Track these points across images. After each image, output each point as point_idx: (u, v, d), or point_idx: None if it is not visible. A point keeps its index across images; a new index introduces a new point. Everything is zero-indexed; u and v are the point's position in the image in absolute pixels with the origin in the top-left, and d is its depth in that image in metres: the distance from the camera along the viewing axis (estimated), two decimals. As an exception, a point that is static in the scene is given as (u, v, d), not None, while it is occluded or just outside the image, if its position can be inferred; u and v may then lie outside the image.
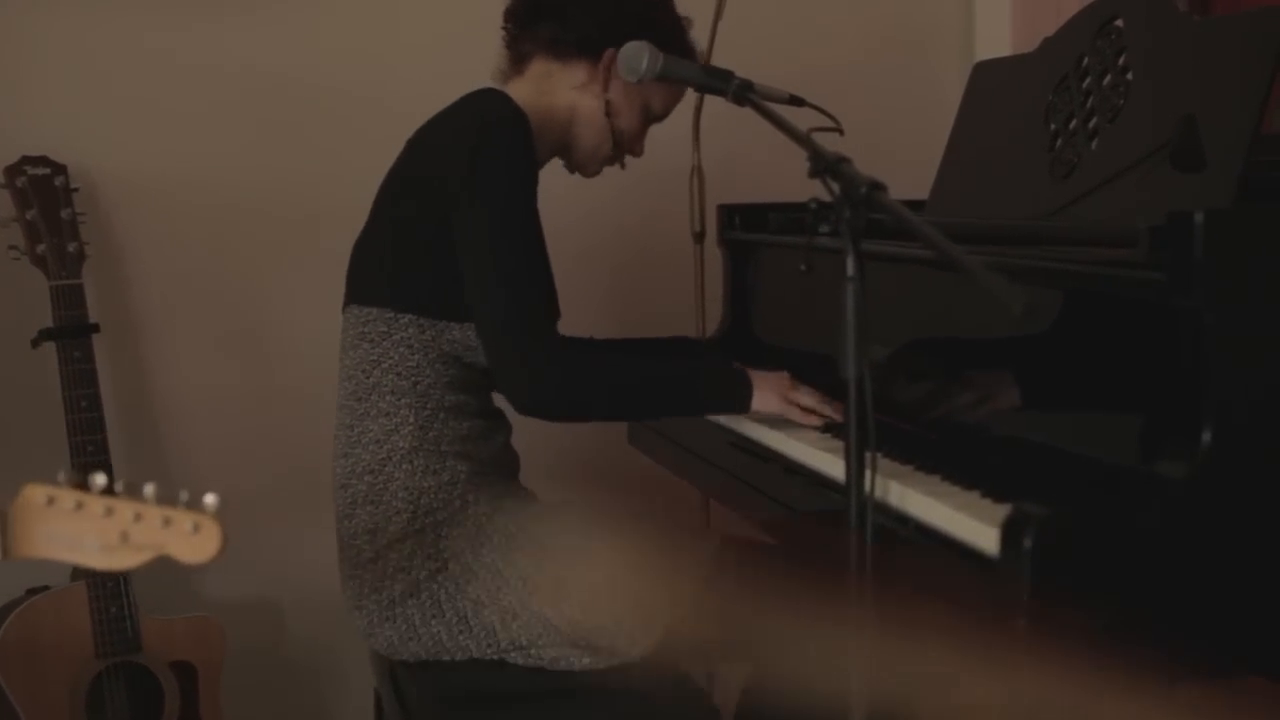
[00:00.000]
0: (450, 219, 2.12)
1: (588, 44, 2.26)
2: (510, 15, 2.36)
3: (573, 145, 2.36)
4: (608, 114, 2.32)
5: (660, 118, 2.42)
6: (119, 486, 1.44)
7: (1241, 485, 1.56)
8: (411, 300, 2.16)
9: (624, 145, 2.38)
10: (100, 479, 1.44)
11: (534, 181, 2.18)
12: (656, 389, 2.25)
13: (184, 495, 1.45)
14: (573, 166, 2.42)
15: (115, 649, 2.65)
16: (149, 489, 1.44)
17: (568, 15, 2.28)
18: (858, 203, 1.58)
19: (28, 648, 2.59)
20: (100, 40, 2.88)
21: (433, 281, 2.16)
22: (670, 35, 2.29)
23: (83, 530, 1.43)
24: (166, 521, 1.43)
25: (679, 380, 2.27)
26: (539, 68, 2.33)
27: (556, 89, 2.31)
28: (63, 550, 1.43)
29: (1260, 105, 1.84)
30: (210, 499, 1.45)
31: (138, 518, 1.43)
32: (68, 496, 1.43)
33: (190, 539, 1.44)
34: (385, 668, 2.27)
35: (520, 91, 2.27)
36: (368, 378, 2.19)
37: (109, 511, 1.43)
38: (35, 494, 1.42)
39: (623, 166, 2.44)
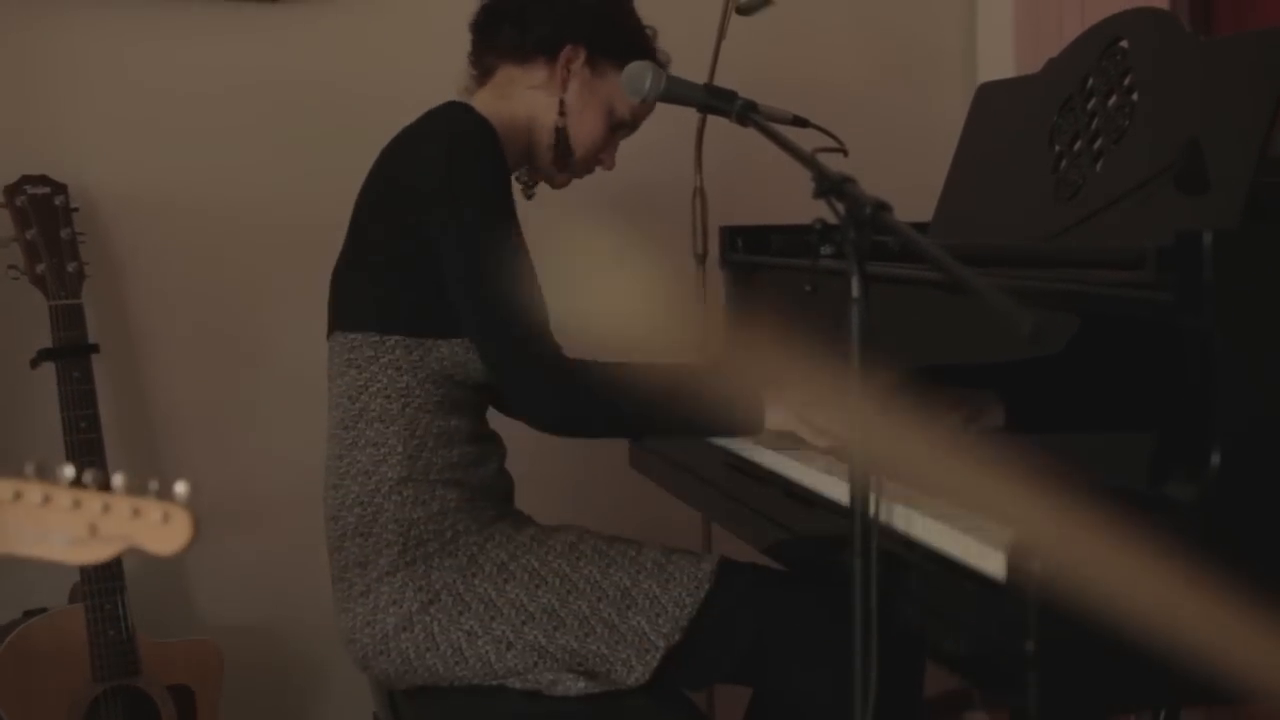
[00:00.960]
0: (428, 235, 2.11)
1: (544, 43, 2.25)
2: (473, 27, 2.35)
3: (535, 150, 2.34)
4: (560, 113, 2.30)
5: (628, 125, 2.39)
6: (87, 478, 1.40)
7: (1251, 506, 1.55)
8: (396, 320, 2.14)
9: (581, 150, 2.34)
10: (68, 470, 1.40)
11: (509, 187, 2.17)
12: (665, 401, 2.20)
13: (153, 485, 1.40)
14: (538, 176, 2.40)
15: (113, 672, 2.63)
16: (117, 479, 1.40)
17: (526, 18, 2.27)
18: (863, 223, 1.58)
19: (24, 670, 2.57)
20: (100, 60, 2.88)
21: (416, 298, 2.14)
22: (628, 36, 2.30)
23: (50, 524, 1.39)
24: (135, 512, 1.39)
25: (687, 392, 2.22)
26: (502, 76, 2.32)
27: (516, 93, 2.30)
28: (30, 546, 1.40)
29: (1267, 126, 1.84)
30: (180, 487, 1.41)
31: (105, 509, 1.39)
32: (34, 490, 1.38)
33: (160, 529, 1.40)
34: (384, 692, 2.25)
35: (482, 101, 2.27)
36: (354, 403, 2.16)
37: (76, 504, 1.39)
38: (2, 489, 1.38)
39: (577, 175, 2.40)
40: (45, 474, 1.39)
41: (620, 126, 2.38)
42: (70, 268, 2.64)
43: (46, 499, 1.38)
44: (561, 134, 2.31)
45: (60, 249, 2.64)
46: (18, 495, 1.38)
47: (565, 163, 2.35)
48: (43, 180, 2.66)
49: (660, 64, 2.29)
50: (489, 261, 2.10)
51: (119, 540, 1.39)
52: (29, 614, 2.66)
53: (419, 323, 2.13)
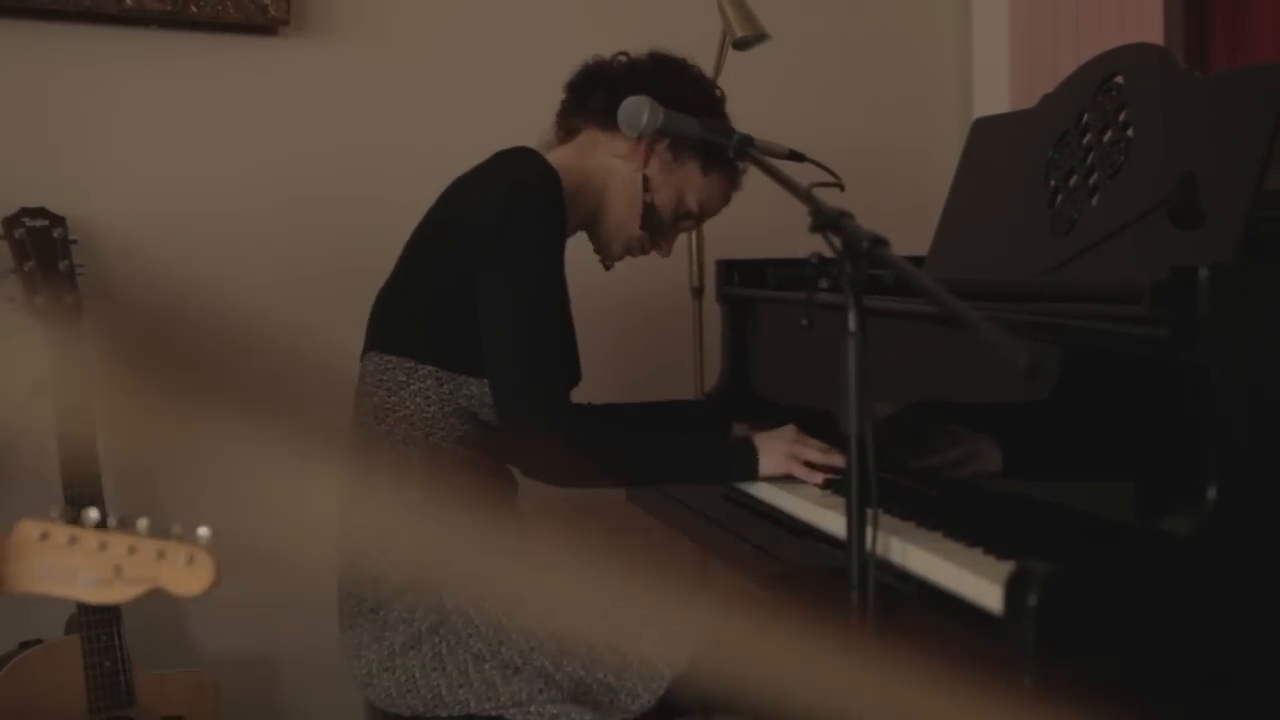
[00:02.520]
0: (474, 274, 2.14)
1: None
2: (568, 87, 2.40)
3: (603, 214, 2.37)
4: (645, 188, 2.33)
5: (696, 216, 2.42)
6: (112, 520, 1.45)
7: (1247, 542, 1.55)
8: (433, 352, 2.17)
9: (652, 228, 2.37)
10: (94, 513, 1.44)
11: (561, 246, 2.20)
12: (661, 464, 2.25)
13: (176, 528, 1.46)
14: (598, 242, 2.42)
15: (108, 704, 2.63)
16: (143, 523, 1.44)
17: (621, 89, 2.26)
18: (860, 258, 1.59)
19: (20, 702, 2.58)
20: (99, 92, 2.90)
21: (456, 335, 2.17)
22: (713, 116, 2.32)
23: (76, 565, 1.43)
24: (160, 554, 1.44)
25: (684, 455, 2.26)
26: (586, 138, 2.36)
27: (596, 155, 2.34)
28: (57, 585, 1.43)
29: (1262, 162, 1.85)
30: (203, 531, 1.47)
31: (131, 551, 1.43)
32: (61, 532, 1.43)
33: (184, 571, 1.45)
34: None
35: (561, 155, 2.30)
36: (380, 424, 2.19)
37: (103, 546, 1.43)
38: (29, 530, 1.42)
39: (644, 252, 2.43)
40: (72, 517, 1.43)
41: (686, 217, 2.41)
42: (68, 299, 2.65)
43: (73, 540, 1.42)
44: (651, 213, 2.35)
45: (58, 280, 2.65)
46: (45, 535, 1.42)
47: (638, 241, 2.39)
48: (41, 213, 2.67)
49: (739, 168, 2.33)
50: (522, 313, 2.13)
51: (144, 582, 1.44)
52: (25, 645, 2.66)
53: (454, 358, 2.16)
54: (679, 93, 2.27)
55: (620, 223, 2.37)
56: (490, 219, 2.14)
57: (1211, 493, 1.53)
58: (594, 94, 2.35)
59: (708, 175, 2.38)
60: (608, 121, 2.29)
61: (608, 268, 2.46)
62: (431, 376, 2.18)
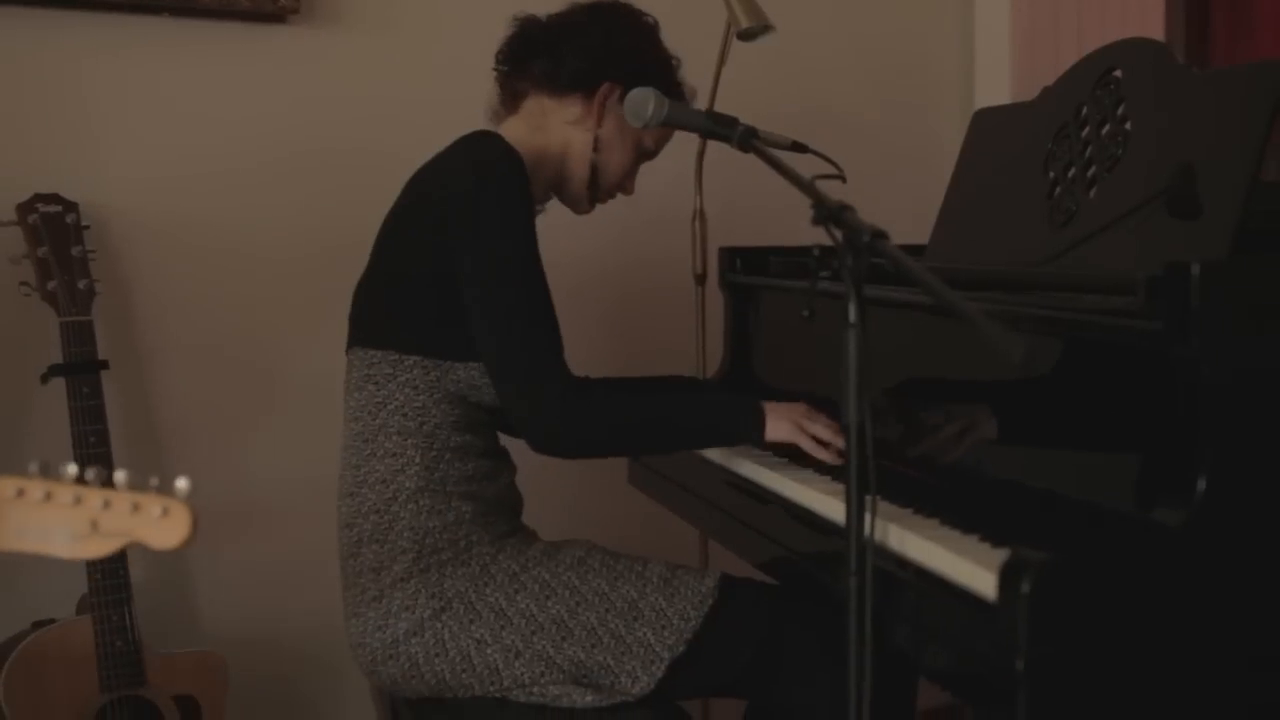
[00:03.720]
0: (451, 261, 2.15)
1: (581, 78, 2.29)
2: (503, 55, 2.40)
3: (565, 182, 2.40)
4: (595, 149, 2.35)
5: (652, 154, 2.45)
6: (89, 475, 1.42)
7: (1237, 532, 1.58)
8: (416, 342, 2.19)
9: (609, 181, 2.40)
10: (71, 468, 1.42)
11: (532, 219, 2.21)
12: (668, 422, 2.26)
13: (154, 480, 1.42)
14: (568, 202, 2.45)
15: (120, 683, 2.65)
16: (119, 475, 1.41)
17: (560, 52, 2.31)
18: (860, 251, 1.61)
19: (34, 682, 2.59)
20: (111, 80, 2.91)
21: (436, 323, 2.18)
22: (659, 71, 2.34)
23: (52, 520, 1.41)
24: (135, 507, 1.41)
25: (690, 412, 2.28)
26: (533, 105, 2.36)
27: (550, 125, 2.35)
28: (33, 542, 1.41)
29: (1257, 156, 1.88)
30: (181, 483, 1.42)
31: (106, 505, 1.40)
32: (37, 487, 1.40)
33: (159, 524, 1.41)
34: (388, 703, 2.28)
35: (514, 130, 2.31)
36: (374, 419, 2.21)
37: (78, 500, 1.40)
38: (4, 486, 1.40)
39: (601, 202, 2.45)
40: (48, 472, 1.41)
41: (645, 156, 2.44)
42: (81, 285, 2.66)
43: (48, 495, 1.40)
44: (594, 169, 2.37)
45: (71, 266, 2.66)
46: (20, 492, 1.40)
47: (596, 193, 2.41)
48: (54, 199, 2.69)
49: (686, 97, 2.33)
50: (506, 291, 2.14)
51: (120, 536, 1.41)
52: (38, 625, 2.67)
53: (437, 345, 2.18)
54: (619, 44, 2.31)
55: (584, 183, 2.39)
56: (459, 205, 2.15)
57: (1202, 485, 1.56)
58: (535, 60, 2.35)
59: None
60: (553, 88, 2.33)
61: (581, 213, 2.48)
62: (417, 366, 2.19)
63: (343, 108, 3.11)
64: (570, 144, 2.36)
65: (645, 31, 2.39)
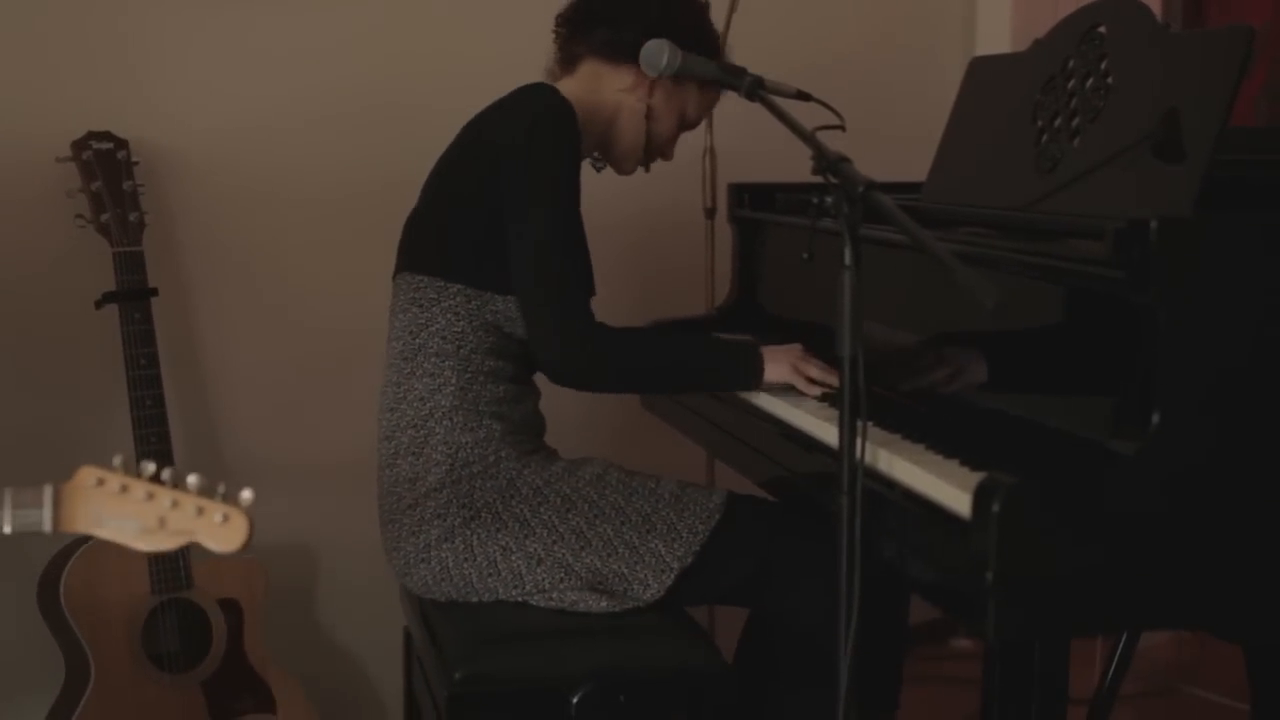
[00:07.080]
0: (499, 197, 2.25)
1: (637, 50, 2.28)
2: (563, 20, 2.49)
3: (612, 143, 2.49)
4: (647, 117, 2.46)
5: (693, 125, 2.56)
6: (165, 474, 1.52)
7: (1185, 460, 1.68)
8: (461, 271, 2.29)
9: (656, 148, 2.51)
10: (149, 466, 1.52)
11: (578, 164, 2.32)
12: (678, 366, 2.38)
13: (221, 488, 1.52)
14: (608, 162, 2.55)
15: (169, 586, 2.75)
16: (192, 479, 1.50)
17: (620, 21, 2.40)
18: (855, 200, 1.72)
19: (91, 586, 2.69)
20: (162, 23, 2.95)
21: (482, 255, 2.28)
22: (709, 47, 2.43)
23: (124, 512, 1.49)
24: (200, 511, 1.50)
25: (697, 358, 2.40)
26: (589, 68, 2.46)
27: (604, 89, 2.45)
28: (105, 529, 1.50)
29: (1225, 111, 1.96)
30: (246, 494, 1.52)
31: (174, 504, 1.50)
32: (115, 479, 1.50)
33: (218, 529, 1.51)
34: (416, 606, 2.38)
35: (569, 89, 2.39)
36: (415, 339, 2.31)
37: (150, 496, 1.50)
38: (87, 475, 1.50)
39: (646, 169, 2.56)
40: (128, 467, 1.52)
41: (686, 127, 2.55)
42: (132, 217, 2.75)
43: (124, 489, 1.50)
44: (655, 138, 2.49)
45: (123, 200, 2.74)
46: (100, 482, 1.50)
47: (646, 159, 2.53)
48: (107, 136, 2.76)
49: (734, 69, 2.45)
50: (547, 230, 2.25)
51: (183, 534, 1.51)
52: (93, 533, 2.81)
53: (480, 276, 2.29)
54: (675, 20, 2.40)
55: (631, 147, 2.50)
56: (513, 145, 2.26)
57: (1156, 418, 1.67)
58: (595, 28, 2.44)
59: (704, 90, 2.51)
60: (610, 55, 2.43)
61: (623, 174, 2.59)
62: (460, 294, 2.29)
63: (389, 54, 3.15)
64: (621, 109, 2.45)
65: (698, 10, 2.49)
